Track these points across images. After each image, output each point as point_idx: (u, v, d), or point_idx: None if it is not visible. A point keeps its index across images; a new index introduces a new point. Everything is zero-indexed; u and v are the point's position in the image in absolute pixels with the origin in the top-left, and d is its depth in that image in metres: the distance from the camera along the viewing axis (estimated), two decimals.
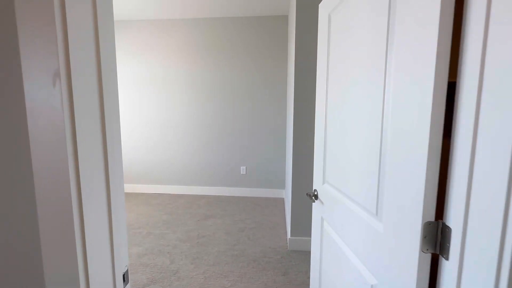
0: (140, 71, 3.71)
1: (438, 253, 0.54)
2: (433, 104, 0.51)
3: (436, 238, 0.54)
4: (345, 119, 0.91)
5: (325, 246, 1.16)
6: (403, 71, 0.60)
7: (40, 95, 0.40)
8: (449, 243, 0.51)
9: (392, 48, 0.64)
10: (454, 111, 0.50)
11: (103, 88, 0.54)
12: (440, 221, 0.54)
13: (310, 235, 2.19)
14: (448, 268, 0.51)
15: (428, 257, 0.56)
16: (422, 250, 0.55)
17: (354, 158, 0.85)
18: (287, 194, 2.94)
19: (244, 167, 3.72)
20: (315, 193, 1.26)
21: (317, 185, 1.24)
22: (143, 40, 3.64)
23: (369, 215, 0.76)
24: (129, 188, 3.92)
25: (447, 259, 0.51)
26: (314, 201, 1.25)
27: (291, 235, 2.24)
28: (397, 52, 0.62)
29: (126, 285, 0.66)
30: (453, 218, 0.50)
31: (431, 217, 0.55)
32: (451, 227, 0.50)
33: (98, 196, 0.53)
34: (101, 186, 0.55)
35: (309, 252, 2.17)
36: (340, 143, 0.96)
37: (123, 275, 0.64)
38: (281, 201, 3.55)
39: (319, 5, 1.17)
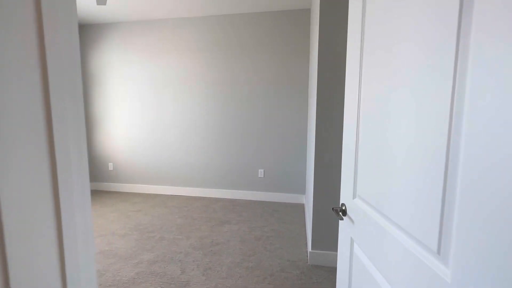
0: (155, 72, 3.68)
1: None
2: None
3: None
4: (387, 120, 0.70)
5: (355, 274, 0.95)
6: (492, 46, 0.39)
7: None
8: None
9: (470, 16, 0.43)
10: None
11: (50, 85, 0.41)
12: None
13: (333, 249, 1.96)
14: None
15: None
16: None
17: (400, 169, 0.64)
18: (307, 200, 2.72)
19: (262, 170, 3.54)
20: (343, 208, 1.05)
21: (345, 198, 1.03)
22: (156, 40, 3.61)
23: (426, 252, 0.55)
24: (146, 189, 3.91)
25: None
26: (341, 218, 1.04)
27: (312, 248, 2.02)
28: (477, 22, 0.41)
29: None
30: None
31: None
32: None
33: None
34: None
35: (333, 269, 1.94)
36: (379, 149, 0.75)
37: None
38: (301, 207, 3.33)
39: None
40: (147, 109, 3.77)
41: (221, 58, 3.48)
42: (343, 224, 1.07)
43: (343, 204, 1.06)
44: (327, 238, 1.97)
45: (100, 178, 4.06)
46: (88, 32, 3.79)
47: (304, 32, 3.25)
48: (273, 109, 3.43)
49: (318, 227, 1.98)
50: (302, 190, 3.48)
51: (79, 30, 3.80)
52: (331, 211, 1.94)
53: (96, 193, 3.88)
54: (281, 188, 3.53)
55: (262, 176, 3.55)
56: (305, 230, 2.65)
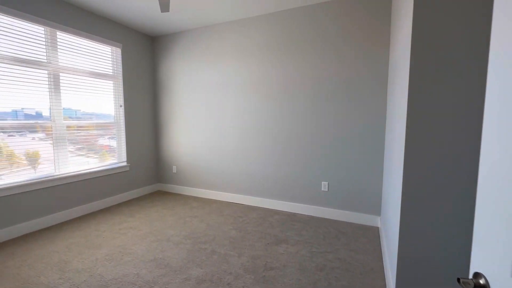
0: (216, 76, 3.63)
1: None
2: None
3: None
4: None
5: None
6: None
7: None
8: None
9: None
10: None
11: None
12: None
13: None
14: None
15: None
16: None
17: None
18: (386, 224, 2.14)
19: (326, 183, 3.07)
20: (481, 282, 0.59)
21: (488, 268, 0.57)
22: (218, 44, 3.55)
23: None
24: (205, 193, 3.91)
25: None
26: None
27: None
28: None
29: None
30: None
31: None
32: None
33: None
34: None
35: None
36: None
37: None
38: (375, 231, 2.72)
39: None
40: (209, 114, 3.78)
41: (285, 57, 3.19)
42: None
43: (480, 276, 0.60)
44: (421, 280, 1.42)
45: (165, 180, 4.28)
46: (158, 43, 4.06)
47: (380, 20, 2.67)
48: (341, 112, 2.93)
49: (406, 265, 1.45)
50: (376, 211, 2.86)
51: (151, 41, 4.11)
52: (425, 243, 1.39)
53: (160, 194, 4.09)
54: (348, 206, 2.98)
55: (326, 189, 3.08)
56: (382, 265, 2.08)
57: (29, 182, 2.65)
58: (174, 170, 4.16)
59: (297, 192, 3.25)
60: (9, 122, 2.55)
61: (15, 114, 2.61)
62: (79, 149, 3.20)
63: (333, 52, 2.92)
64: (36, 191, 2.73)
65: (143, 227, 2.81)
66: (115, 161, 3.65)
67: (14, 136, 2.61)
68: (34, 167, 2.77)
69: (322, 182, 3.09)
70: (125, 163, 3.74)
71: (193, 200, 3.79)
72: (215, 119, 3.72)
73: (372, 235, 2.63)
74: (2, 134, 2.52)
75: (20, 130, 2.64)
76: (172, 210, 3.35)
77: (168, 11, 2.45)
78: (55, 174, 2.91)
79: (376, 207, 2.86)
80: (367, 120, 2.81)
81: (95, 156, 3.41)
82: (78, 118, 3.18)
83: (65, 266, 2.06)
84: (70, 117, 3.09)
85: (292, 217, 3.12)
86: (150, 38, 4.08)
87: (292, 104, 3.18)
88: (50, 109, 2.86)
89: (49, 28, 2.79)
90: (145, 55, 4.00)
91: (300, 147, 3.18)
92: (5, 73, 2.49)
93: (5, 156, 2.55)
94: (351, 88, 2.87)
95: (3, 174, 2.52)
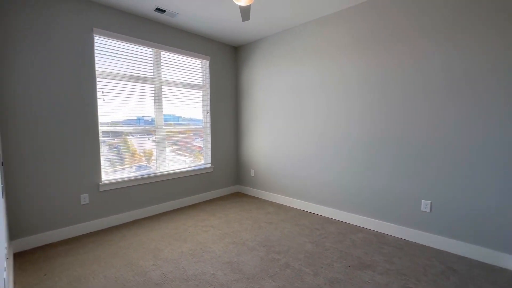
0: (295, 79, 3.52)
1: None
2: None
3: None
4: None
5: None
6: None
7: None
8: None
9: None
10: None
11: None
12: None
13: None
14: None
15: None
16: None
17: None
18: None
19: (428, 202, 2.48)
20: None
21: None
22: (297, 47, 3.42)
23: None
24: (281, 199, 3.84)
25: None
26: None
27: None
28: None
29: None
30: None
31: None
32: None
33: None
34: None
35: None
36: None
37: None
38: (507, 275, 1.99)
39: None
40: (286, 118, 3.70)
41: (373, 53, 2.79)
42: None
43: None
44: None
45: (244, 182, 4.45)
46: (241, 53, 4.28)
47: None
48: (445, 111, 2.31)
49: None
50: (508, 247, 2.09)
51: (235, 51, 4.37)
52: None
53: (239, 196, 4.27)
54: (462, 234, 2.31)
55: (428, 210, 2.48)
56: None
57: (137, 177, 3.21)
58: (252, 174, 4.27)
59: (388, 209, 2.75)
60: (132, 127, 3.16)
61: (137, 120, 3.21)
62: (178, 149, 3.69)
63: (450, 42, 2.34)
64: (142, 185, 3.27)
65: (222, 227, 2.95)
66: (202, 162, 4.03)
67: (136, 137, 3.21)
68: (148, 162, 3.34)
69: (423, 201, 2.51)
70: (209, 165, 4.08)
71: (269, 205, 3.78)
72: (293, 123, 3.61)
73: (502, 280, 1.93)
74: (130, 136, 3.15)
75: (140, 133, 3.23)
76: (249, 213, 3.41)
77: (248, 19, 2.51)
78: (156, 172, 3.44)
79: (508, 242, 2.09)
80: (495, 122, 2.11)
81: (191, 155, 3.85)
82: (178, 124, 3.67)
83: (158, 254, 2.35)
84: (174, 123, 3.61)
85: (380, 238, 2.66)
86: (234, 49, 4.35)
87: (380, 104, 2.73)
88: (154, 116, 3.40)
89: (156, 49, 3.33)
90: (229, 65, 4.29)
91: (391, 154, 2.68)
92: (127, 88, 3.09)
93: (131, 152, 3.19)
94: (461, 82, 2.22)
95: (129, 167, 3.14)
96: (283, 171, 3.78)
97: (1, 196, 1.84)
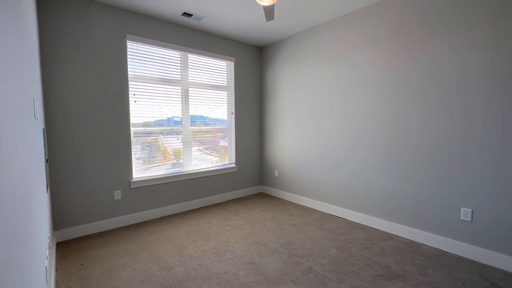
0: (321, 78, 3.41)
1: None
2: None
3: None
4: None
5: None
6: None
7: None
8: None
9: None
10: None
11: None
12: None
13: None
14: None
15: None
16: None
17: None
18: None
19: (469, 210, 2.25)
20: None
21: None
22: (323, 45, 3.31)
23: None
24: (306, 202, 3.76)
25: None
26: None
27: None
28: None
29: None
30: None
31: None
32: None
33: None
34: None
35: None
36: None
37: None
38: None
39: None
40: (311, 119, 3.62)
41: (407, 47, 2.61)
42: None
43: None
44: None
45: (267, 183, 4.43)
46: (265, 53, 4.27)
47: None
48: (487, 107, 2.07)
49: None
50: None
51: (259, 52, 4.37)
52: None
53: (262, 196, 4.26)
54: (509, 248, 2.06)
55: (468, 219, 2.25)
56: None
57: (165, 175, 3.35)
58: (276, 174, 4.23)
59: (422, 216, 2.56)
60: (161, 128, 3.32)
61: (167, 121, 3.36)
62: (205, 148, 3.79)
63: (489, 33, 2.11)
64: (169, 183, 3.41)
65: (245, 227, 2.97)
66: (227, 162, 4.09)
67: (166, 136, 3.37)
68: (177, 161, 3.48)
69: (462, 209, 2.29)
70: (234, 164, 4.13)
71: (292, 206, 3.72)
72: (319, 124, 3.51)
73: None
74: (162, 136, 3.31)
75: (169, 133, 3.38)
76: (272, 214, 3.39)
77: (272, 19, 2.48)
78: (182, 171, 3.56)
79: None
80: None
81: (217, 155, 3.94)
82: (205, 124, 3.78)
83: (183, 251, 2.43)
84: (201, 123, 3.72)
85: (412, 247, 2.48)
86: (258, 49, 4.35)
87: (417, 104, 2.54)
88: (181, 117, 3.53)
89: (183, 52, 3.45)
90: (254, 65, 4.30)
91: (427, 157, 2.48)
92: (156, 90, 3.24)
93: (161, 152, 3.35)
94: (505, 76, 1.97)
95: (158, 165, 3.30)
96: (308, 172, 3.69)
97: (46, 191, 2.03)
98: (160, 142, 3.35)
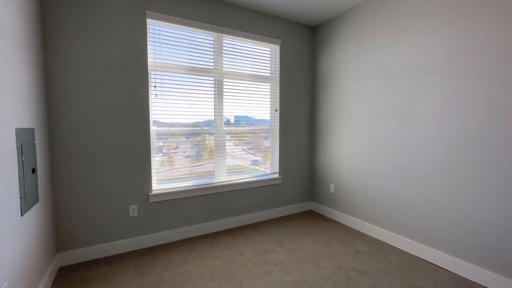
0: (401, 58, 2.35)
1: None
2: None
3: None
4: None
5: None
6: None
7: None
8: None
9: None
10: None
11: None
12: None
13: None
14: None
15: None
16: None
17: None
18: None
19: None
20: None
21: None
22: (402, 12, 2.24)
23: None
24: (377, 233, 2.71)
25: None
26: None
27: None
28: None
29: None
30: None
31: None
32: None
33: None
34: None
35: None
36: None
37: None
38: None
39: None
40: (386, 116, 2.58)
41: None
42: None
43: None
44: None
45: (319, 199, 3.48)
46: (319, 34, 3.33)
47: None
48: None
49: None
50: None
51: (312, 33, 3.45)
52: None
53: (312, 216, 3.33)
54: None
55: None
56: None
57: (192, 188, 2.69)
58: (332, 190, 3.26)
59: None
60: (188, 128, 2.69)
61: (201, 122, 2.74)
62: (244, 152, 3.05)
63: None
64: (196, 197, 2.74)
65: (291, 270, 2.10)
66: (268, 171, 3.28)
67: (195, 139, 2.74)
68: (207, 170, 2.83)
69: None
70: (277, 175, 3.30)
71: (357, 238, 2.71)
72: (397, 123, 2.45)
73: None
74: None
75: (197, 135, 2.74)
76: (329, 249, 2.45)
77: None
78: (213, 182, 2.86)
79: None
80: None
81: (259, 157, 3.17)
82: (240, 124, 3.05)
83: None
84: (238, 123, 3.01)
85: None
86: (310, 29, 3.44)
87: None
88: (214, 115, 2.84)
89: (216, 33, 2.75)
90: (304, 50, 3.40)
91: None
92: (183, 82, 2.61)
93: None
94: None
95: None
96: (382, 192, 2.65)
97: (20, 215, 1.48)
98: (186, 147, 2.73)
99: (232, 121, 2.99)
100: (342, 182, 3.10)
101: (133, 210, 2.42)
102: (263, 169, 3.26)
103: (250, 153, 3.16)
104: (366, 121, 2.78)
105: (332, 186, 3.25)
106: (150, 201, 2.49)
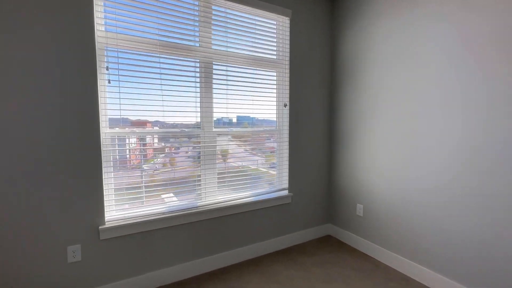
0: (460, 35, 1.52)
1: None
2: None
3: None
4: None
5: None
6: None
7: None
8: None
9: None
10: None
11: None
12: None
13: None
14: None
15: None
16: None
17: None
18: None
19: None
20: None
21: None
22: None
23: None
24: (422, 275, 1.89)
25: None
26: None
27: None
28: None
29: None
30: None
31: None
32: None
33: None
34: None
35: None
36: None
37: None
38: None
39: None
40: (445, 112, 1.76)
41: None
42: None
43: None
44: None
45: (341, 222, 2.66)
46: (341, 3, 2.52)
47: None
48: None
49: None
50: None
51: (330, 4, 2.64)
52: None
53: (332, 245, 2.51)
54: None
55: None
56: None
57: (169, 213, 1.88)
58: (359, 212, 2.44)
59: None
60: (162, 131, 1.89)
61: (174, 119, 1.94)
62: (240, 164, 2.25)
63: None
64: (175, 227, 1.94)
65: None
66: (274, 188, 2.47)
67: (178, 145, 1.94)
68: (188, 187, 2.03)
69: None
70: (286, 192, 2.49)
71: (400, 282, 1.89)
72: (458, 123, 1.63)
73: None
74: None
75: (177, 139, 1.95)
76: None
77: None
78: (198, 204, 2.06)
79: None
80: None
81: (257, 177, 2.36)
82: (242, 124, 2.25)
83: None
84: (234, 124, 2.21)
85: None
86: (329, 1, 2.63)
87: None
88: (199, 112, 2.04)
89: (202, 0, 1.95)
90: (321, 25, 2.59)
91: None
92: (154, 64, 1.82)
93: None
94: None
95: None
96: (440, 220, 1.83)
97: None
98: (161, 156, 1.94)
99: (226, 120, 2.19)
100: (376, 203, 2.28)
101: (74, 252, 1.62)
102: (267, 185, 2.45)
103: (253, 158, 2.35)
104: (406, 119, 1.96)
105: (360, 207, 2.43)
106: (101, 238, 1.68)
